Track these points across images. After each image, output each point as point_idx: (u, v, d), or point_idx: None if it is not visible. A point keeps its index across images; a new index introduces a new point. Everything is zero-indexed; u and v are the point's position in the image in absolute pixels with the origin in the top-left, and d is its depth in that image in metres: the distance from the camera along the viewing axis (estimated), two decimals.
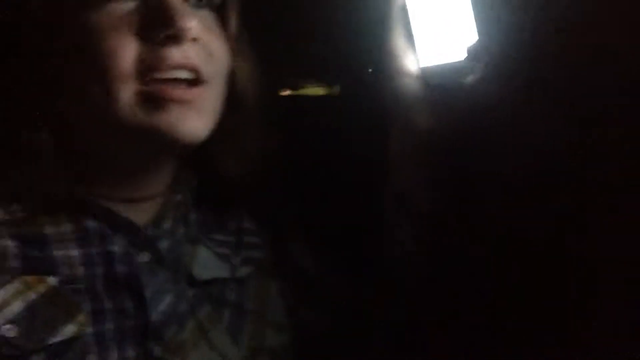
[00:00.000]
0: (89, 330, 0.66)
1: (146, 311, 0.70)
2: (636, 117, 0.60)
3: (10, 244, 0.66)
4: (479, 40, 0.65)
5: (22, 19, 0.68)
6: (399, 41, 0.73)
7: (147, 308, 0.70)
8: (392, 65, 0.73)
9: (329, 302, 0.82)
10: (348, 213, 0.86)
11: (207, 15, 0.71)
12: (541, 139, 0.65)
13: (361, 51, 0.82)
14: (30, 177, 0.68)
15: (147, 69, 0.66)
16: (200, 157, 0.77)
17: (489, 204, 0.71)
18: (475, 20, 0.66)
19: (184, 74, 0.67)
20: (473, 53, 0.64)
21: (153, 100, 0.66)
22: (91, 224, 0.70)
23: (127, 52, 0.65)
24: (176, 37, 0.66)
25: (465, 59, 0.67)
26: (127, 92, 0.65)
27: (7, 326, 0.63)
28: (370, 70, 0.84)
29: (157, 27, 0.66)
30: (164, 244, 0.74)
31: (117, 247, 0.70)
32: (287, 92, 0.95)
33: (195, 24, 0.67)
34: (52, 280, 0.67)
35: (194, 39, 0.68)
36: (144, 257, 0.72)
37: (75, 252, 0.69)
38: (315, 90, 0.92)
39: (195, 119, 0.68)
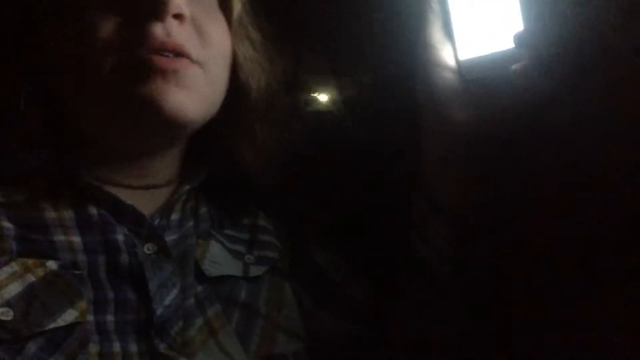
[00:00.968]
0: (90, 318, 0.64)
1: (150, 305, 0.67)
2: None
3: (8, 225, 0.65)
4: (525, 29, 0.60)
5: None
6: (436, 33, 0.69)
7: (152, 302, 0.67)
8: (429, 58, 0.69)
9: (350, 308, 0.79)
10: (374, 213, 0.83)
11: None
12: (590, 139, 0.60)
13: (395, 44, 0.78)
14: (27, 159, 0.66)
15: (127, 44, 0.64)
16: (214, 150, 0.76)
17: (528, 209, 0.66)
18: (521, 8, 0.61)
19: (166, 54, 0.65)
20: (520, 41, 0.59)
21: (136, 69, 0.64)
22: (94, 210, 0.68)
23: (106, 26, 0.64)
24: (156, 12, 0.64)
25: (510, 48, 0.62)
26: (108, 63, 0.64)
27: (3, 309, 0.60)
28: (393, 65, 0.79)
29: (138, 1, 0.64)
30: (171, 236, 0.72)
31: (120, 236, 0.68)
32: (316, 94, 0.91)
33: (181, 0, 0.65)
34: (52, 264, 0.64)
35: (180, 17, 0.66)
36: (148, 249, 0.69)
37: (77, 239, 0.67)
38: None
39: (181, 93, 0.65)
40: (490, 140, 0.67)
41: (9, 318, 0.60)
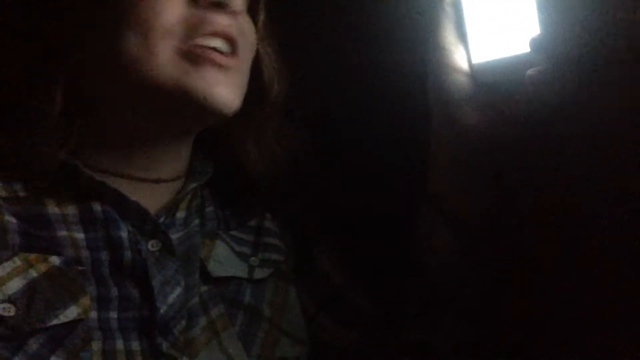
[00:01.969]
0: (93, 315, 0.63)
1: (154, 303, 0.66)
2: None
3: (10, 219, 0.64)
4: (542, 33, 0.59)
5: None
6: (449, 35, 0.68)
7: (155, 300, 0.66)
8: (441, 60, 0.68)
9: (352, 315, 0.78)
10: (380, 218, 0.81)
11: None
12: (605, 148, 0.59)
13: (406, 45, 0.77)
14: (31, 149, 0.65)
15: (189, 30, 0.65)
16: (221, 147, 0.75)
17: (535, 218, 0.65)
18: (538, 12, 0.61)
19: (221, 44, 0.67)
20: (536, 45, 0.58)
21: (192, 59, 0.65)
22: (98, 206, 0.67)
23: (174, 9, 0.65)
24: (222, 4, 0.66)
25: (525, 52, 0.61)
26: (167, 49, 0.64)
27: (4, 305, 0.60)
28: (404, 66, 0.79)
29: None
30: (175, 234, 0.71)
31: (123, 232, 0.67)
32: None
33: None
34: (55, 259, 0.63)
35: (234, 13, 0.68)
36: (152, 245, 0.68)
37: (80, 235, 0.66)
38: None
39: (229, 87, 0.67)
40: (501, 145, 0.66)
41: (11, 314, 0.59)
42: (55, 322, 0.60)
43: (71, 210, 0.67)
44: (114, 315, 0.64)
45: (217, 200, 0.78)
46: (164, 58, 0.64)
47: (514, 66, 0.63)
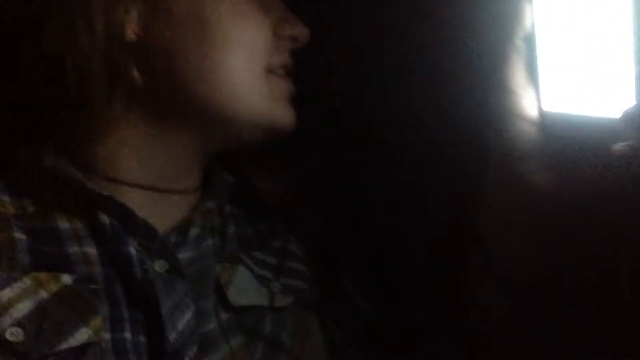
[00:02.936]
0: (106, 336, 0.60)
1: (163, 330, 0.62)
2: None
3: (19, 236, 0.61)
4: (638, 107, 0.52)
5: None
6: (518, 75, 0.59)
7: (165, 327, 0.62)
8: (506, 104, 0.59)
9: (381, 349, 0.73)
10: (418, 255, 0.75)
11: None
12: None
13: (468, 85, 0.69)
14: (36, 163, 0.64)
15: (270, 60, 0.68)
16: (245, 166, 0.74)
17: (600, 295, 0.59)
18: (637, 80, 0.52)
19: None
20: (629, 119, 0.51)
21: (275, 88, 0.68)
22: (106, 219, 0.64)
23: (265, 40, 0.67)
24: (298, 40, 0.70)
25: (611, 118, 0.54)
26: (258, 79, 0.67)
27: (13, 329, 0.57)
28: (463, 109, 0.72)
29: (288, 26, 0.69)
30: (185, 254, 0.67)
31: (132, 248, 0.64)
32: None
33: None
34: (66, 278, 0.61)
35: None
36: (160, 267, 0.65)
37: (92, 250, 0.63)
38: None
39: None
40: (568, 210, 0.59)
41: (19, 339, 0.57)
42: (65, 346, 0.58)
43: (81, 224, 0.64)
44: (128, 336, 0.61)
45: (238, 219, 0.74)
46: (254, 87, 0.66)
47: (596, 129, 0.55)
